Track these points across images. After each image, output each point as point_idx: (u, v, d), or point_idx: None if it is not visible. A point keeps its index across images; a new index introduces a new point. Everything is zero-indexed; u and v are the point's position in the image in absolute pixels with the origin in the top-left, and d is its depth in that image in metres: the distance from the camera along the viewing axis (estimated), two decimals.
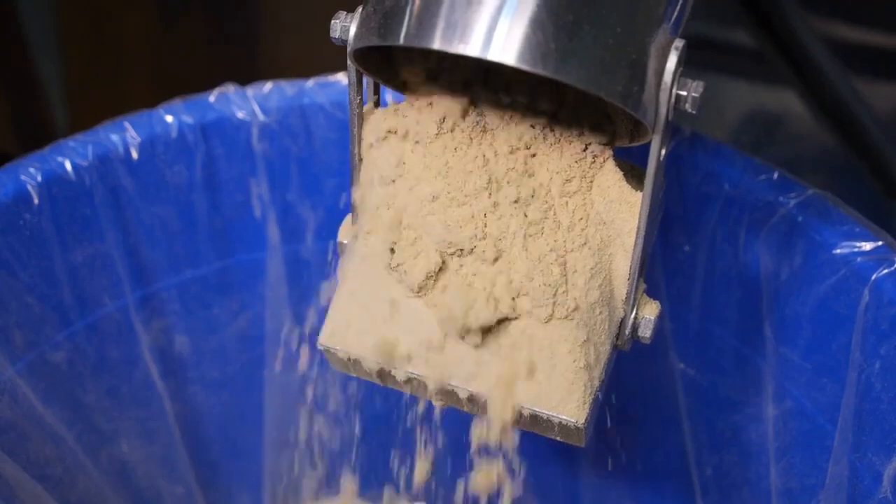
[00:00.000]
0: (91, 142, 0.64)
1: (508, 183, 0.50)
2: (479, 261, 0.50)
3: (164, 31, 1.10)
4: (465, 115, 0.51)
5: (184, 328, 0.70)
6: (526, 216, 0.50)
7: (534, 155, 0.50)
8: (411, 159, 0.51)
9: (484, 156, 0.50)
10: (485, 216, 0.50)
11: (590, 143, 0.51)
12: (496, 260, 0.50)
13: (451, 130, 0.51)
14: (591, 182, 0.51)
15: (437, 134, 0.51)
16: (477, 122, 0.51)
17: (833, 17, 0.99)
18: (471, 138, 0.51)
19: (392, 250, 0.51)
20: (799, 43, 0.89)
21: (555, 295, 0.49)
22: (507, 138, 0.50)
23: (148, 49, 1.08)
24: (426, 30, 0.44)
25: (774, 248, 0.61)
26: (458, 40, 0.44)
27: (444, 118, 0.51)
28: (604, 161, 0.51)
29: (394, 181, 0.51)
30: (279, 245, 0.70)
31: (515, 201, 0.50)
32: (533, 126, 0.50)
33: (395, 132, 0.51)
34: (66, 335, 0.65)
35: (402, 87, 0.52)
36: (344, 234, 0.55)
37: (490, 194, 0.50)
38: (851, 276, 0.58)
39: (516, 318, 0.50)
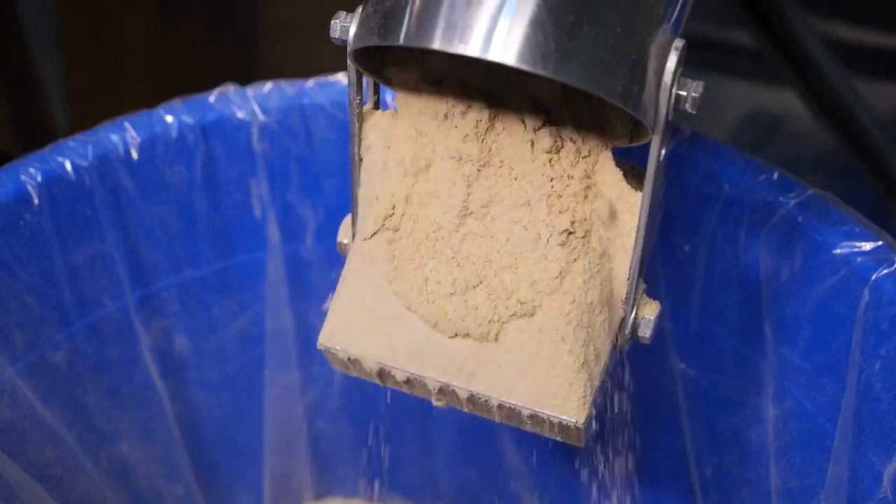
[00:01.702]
0: (91, 142, 0.64)
1: (509, 185, 0.50)
2: (478, 264, 0.50)
3: (164, 31, 1.10)
4: (464, 116, 0.51)
5: (184, 328, 0.70)
6: (526, 218, 0.50)
7: (537, 155, 0.50)
8: (411, 161, 0.51)
9: (484, 157, 0.50)
10: (484, 217, 0.50)
11: (589, 144, 0.51)
12: (494, 262, 0.50)
13: (451, 132, 0.51)
14: (592, 182, 0.51)
15: (437, 135, 0.51)
16: (477, 125, 0.51)
17: (833, 17, 0.99)
18: (470, 141, 0.51)
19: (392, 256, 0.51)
20: (799, 43, 0.89)
21: (554, 296, 0.49)
22: (509, 140, 0.50)
23: (148, 49, 1.08)
24: (426, 30, 0.44)
25: (774, 249, 0.61)
26: (458, 40, 0.44)
27: (444, 121, 0.51)
28: (604, 161, 0.51)
29: (394, 183, 0.51)
30: (279, 245, 0.70)
31: (515, 203, 0.50)
32: (535, 129, 0.50)
33: (396, 132, 0.51)
34: (66, 335, 0.65)
35: (403, 88, 0.52)
36: (344, 234, 0.55)
37: (490, 195, 0.50)
38: (851, 276, 0.58)
39: (516, 319, 0.50)
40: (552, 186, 0.50)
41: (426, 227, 0.51)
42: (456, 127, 0.51)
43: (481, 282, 0.50)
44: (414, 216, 0.51)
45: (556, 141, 0.50)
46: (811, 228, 0.59)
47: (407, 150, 0.51)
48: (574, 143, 0.50)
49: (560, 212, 0.50)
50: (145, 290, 0.68)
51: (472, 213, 0.50)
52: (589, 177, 0.51)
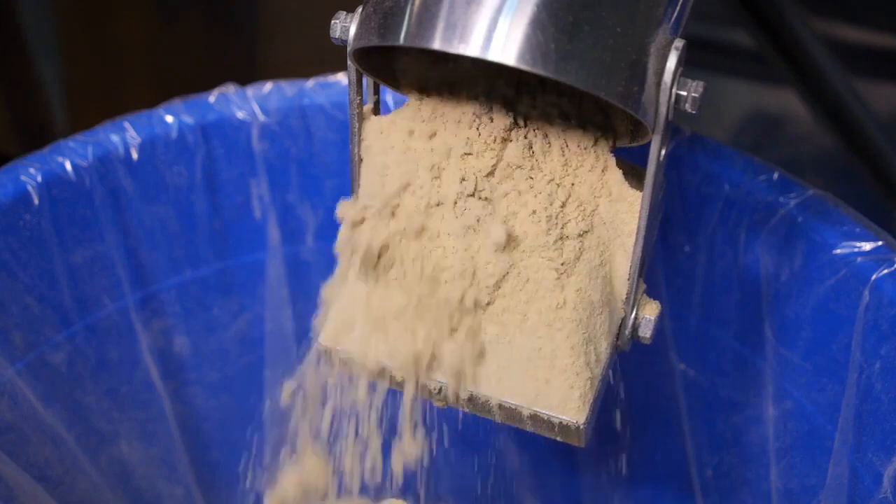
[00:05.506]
0: (91, 142, 0.64)
1: (509, 185, 0.50)
2: (479, 264, 0.50)
3: (164, 31, 1.10)
4: (465, 117, 0.51)
5: (184, 329, 0.70)
6: (527, 217, 0.50)
7: (536, 156, 0.50)
8: (411, 160, 0.51)
9: (483, 158, 0.50)
10: (484, 217, 0.50)
11: (590, 144, 0.51)
12: (495, 262, 0.50)
13: (451, 134, 0.51)
14: (593, 182, 0.51)
15: (435, 135, 0.51)
16: (475, 125, 0.51)
17: (833, 17, 0.99)
18: (470, 141, 0.51)
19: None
20: (799, 43, 0.89)
21: (555, 295, 0.49)
22: (509, 141, 0.50)
23: (148, 49, 1.08)
24: (426, 30, 0.44)
25: (774, 249, 0.61)
26: (458, 40, 0.44)
27: (445, 123, 0.51)
28: (604, 161, 0.51)
29: (394, 182, 0.51)
30: (279, 246, 0.70)
31: (515, 203, 0.50)
32: (535, 129, 0.50)
33: (395, 133, 0.52)
34: (66, 336, 0.65)
35: (402, 88, 0.52)
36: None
37: (491, 195, 0.50)
38: (851, 277, 0.58)
39: (517, 318, 0.50)
40: (552, 187, 0.50)
41: (427, 227, 0.51)
42: (457, 128, 0.51)
43: (482, 281, 0.50)
44: (414, 193, 0.51)
45: (556, 141, 0.50)
46: (811, 229, 0.59)
47: (409, 122, 0.51)
48: (575, 143, 0.50)
49: (560, 212, 0.50)
50: (145, 290, 0.68)
51: (472, 212, 0.50)
52: (589, 177, 0.51)
